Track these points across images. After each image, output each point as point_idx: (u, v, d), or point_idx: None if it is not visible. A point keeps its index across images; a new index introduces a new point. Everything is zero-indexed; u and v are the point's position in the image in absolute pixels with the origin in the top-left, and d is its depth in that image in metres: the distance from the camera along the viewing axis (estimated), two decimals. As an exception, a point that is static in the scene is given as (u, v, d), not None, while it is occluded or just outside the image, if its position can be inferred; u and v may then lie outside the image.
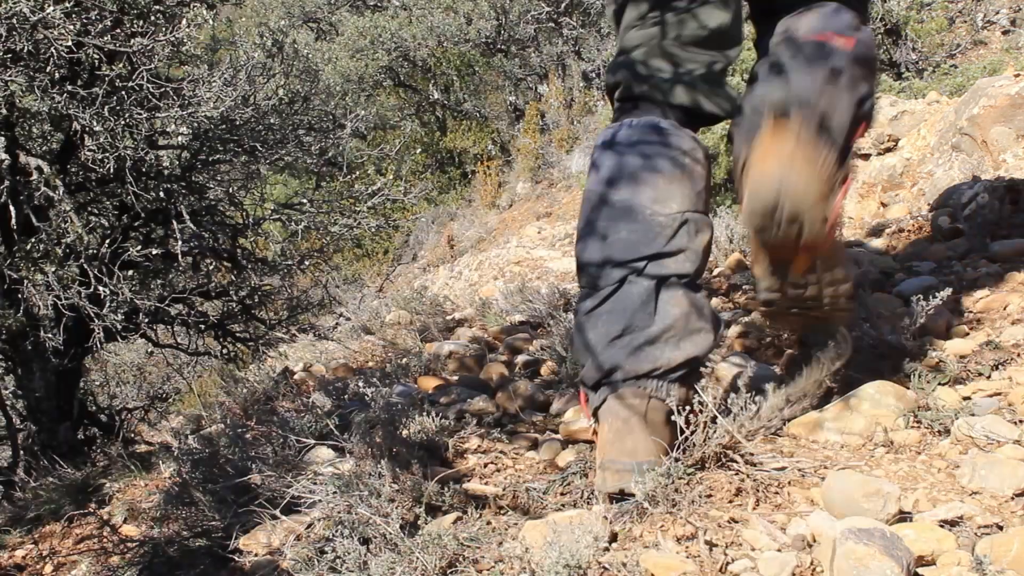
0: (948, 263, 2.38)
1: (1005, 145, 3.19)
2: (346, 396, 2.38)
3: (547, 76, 9.87)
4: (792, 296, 1.62)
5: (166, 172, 3.58)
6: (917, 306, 1.78)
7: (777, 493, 1.40)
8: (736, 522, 1.32)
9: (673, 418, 1.42)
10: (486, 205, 9.44)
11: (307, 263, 4.21)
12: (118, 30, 3.07)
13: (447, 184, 10.56)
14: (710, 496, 1.38)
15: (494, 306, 3.35)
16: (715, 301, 2.97)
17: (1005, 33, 7.01)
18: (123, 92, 3.09)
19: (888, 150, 4.21)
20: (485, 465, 1.74)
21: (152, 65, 3.13)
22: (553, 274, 5.53)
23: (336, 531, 1.43)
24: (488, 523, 1.46)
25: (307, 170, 4.55)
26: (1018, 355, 1.73)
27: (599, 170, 1.59)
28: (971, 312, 2.01)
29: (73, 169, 3.48)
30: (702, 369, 1.49)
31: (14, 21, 2.76)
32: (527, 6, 9.73)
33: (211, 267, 4.02)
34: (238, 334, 4.21)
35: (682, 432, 1.43)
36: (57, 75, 3.02)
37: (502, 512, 1.50)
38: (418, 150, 10.28)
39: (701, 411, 1.43)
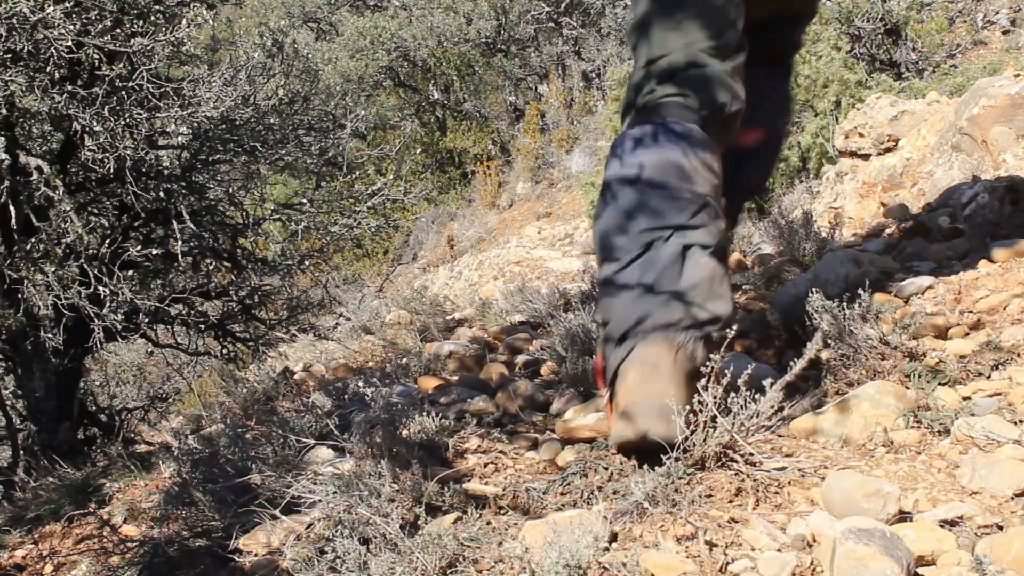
0: (948, 263, 2.38)
1: (1005, 145, 3.20)
2: (346, 396, 2.38)
3: (547, 76, 9.88)
4: None
5: (166, 172, 3.58)
6: (917, 306, 1.78)
7: (777, 493, 1.40)
8: (736, 522, 1.32)
9: (696, 380, 1.45)
10: (486, 205, 9.45)
11: (307, 263, 4.21)
12: (118, 30, 3.07)
13: (447, 184, 10.56)
14: (710, 496, 1.38)
15: (494, 306, 3.35)
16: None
17: (1005, 33, 7.02)
18: (123, 92, 3.09)
19: (888, 150, 4.21)
20: (485, 465, 1.74)
21: (152, 65, 3.13)
22: (553, 274, 5.53)
23: (336, 531, 1.43)
24: (488, 523, 1.46)
25: (307, 170, 4.55)
26: (1018, 355, 1.73)
27: (623, 158, 1.65)
28: (971, 312, 2.01)
29: (73, 169, 3.48)
30: (721, 333, 1.54)
31: (14, 21, 2.76)
32: (527, 6, 9.74)
33: (211, 267, 4.02)
34: (238, 334, 4.21)
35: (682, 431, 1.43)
36: (57, 75, 3.02)
37: (502, 512, 1.50)
38: (418, 150, 10.29)
39: (701, 411, 1.43)
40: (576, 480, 1.58)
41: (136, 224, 3.69)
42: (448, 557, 1.32)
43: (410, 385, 2.36)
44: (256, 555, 1.60)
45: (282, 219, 4.13)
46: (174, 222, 3.46)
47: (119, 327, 3.39)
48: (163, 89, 3.15)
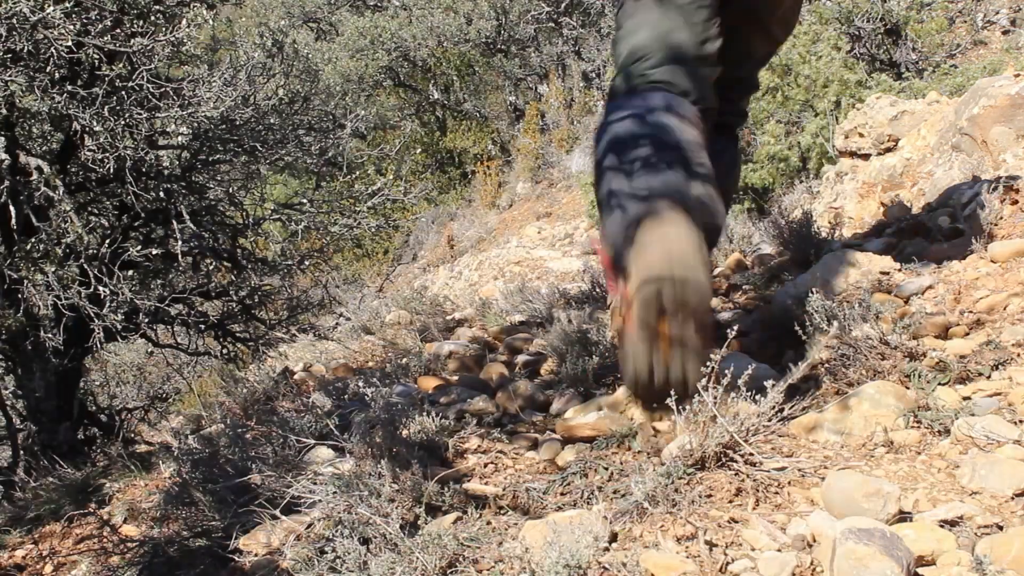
0: (948, 263, 2.38)
1: (1005, 145, 3.20)
2: (346, 396, 2.38)
3: (547, 76, 9.88)
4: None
5: (166, 172, 3.58)
6: (917, 306, 1.78)
7: (777, 493, 1.40)
8: (736, 522, 1.32)
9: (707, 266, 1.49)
10: (486, 205, 9.45)
11: (307, 263, 4.21)
12: (118, 30, 3.07)
13: (447, 184, 10.57)
14: (710, 496, 1.38)
15: (494, 306, 3.35)
16: (715, 301, 2.97)
17: (1005, 33, 7.02)
18: (123, 92, 3.09)
19: (888, 150, 4.21)
20: (485, 465, 1.74)
21: (152, 65, 3.13)
22: (553, 274, 5.53)
23: (336, 531, 1.43)
24: (488, 523, 1.46)
25: (307, 170, 4.55)
26: (1018, 355, 1.73)
27: (620, 111, 1.75)
28: (971, 312, 2.01)
29: (73, 169, 3.48)
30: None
31: (14, 21, 2.76)
32: (527, 6, 9.74)
33: (211, 267, 4.02)
34: (238, 334, 4.21)
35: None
36: (57, 75, 3.02)
37: (502, 512, 1.50)
38: (418, 150, 10.29)
39: (701, 411, 1.43)
40: (576, 480, 1.58)
41: (136, 224, 3.69)
42: (448, 557, 1.32)
43: (410, 385, 2.35)
44: (256, 555, 1.60)
45: (282, 219, 4.13)
46: (174, 222, 3.46)
47: (119, 327, 3.39)
48: (163, 89, 3.15)
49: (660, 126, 1.67)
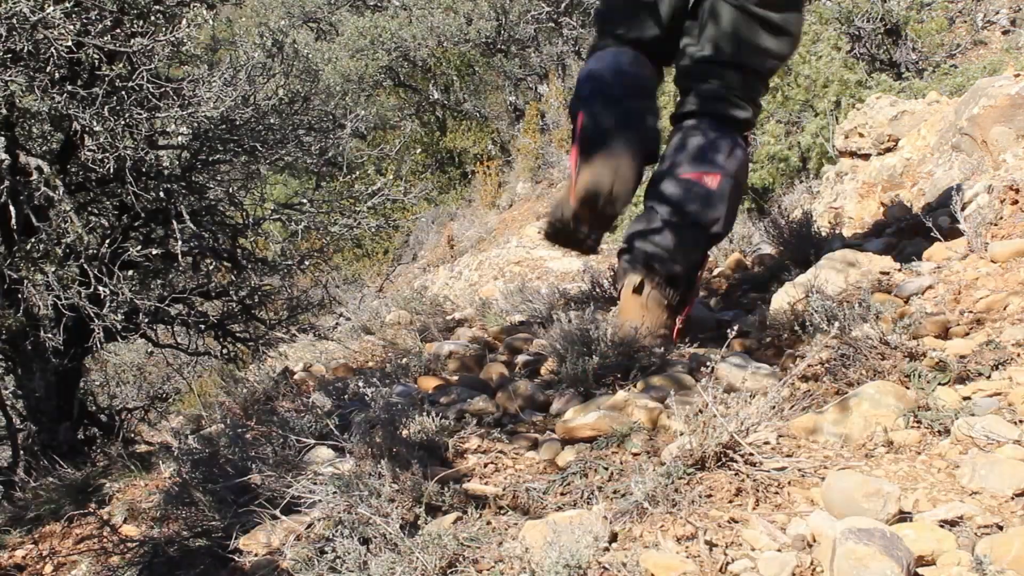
0: (948, 263, 2.38)
1: (1005, 145, 3.19)
2: (346, 396, 2.38)
3: (547, 76, 9.88)
4: None
5: (166, 172, 3.57)
6: (917, 306, 1.78)
7: (777, 493, 1.40)
8: (736, 522, 1.32)
9: None
10: (486, 205, 9.45)
11: (307, 263, 4.21)
12: (118, 30, 3.07)
13: (447, 184, 10.56)
14: (710, 496, 1.38)
15: (494, 306, 3.35)
16: (715, 301, 2.97)
17: (1005, 33, 7.02)
18: (123, 92, 3.09)
19: (888, 150, 4.21)
20: (485, 465, 1.73)
21: (152, 65, 3.13)
22: (553, 274, 5.53)
23: (336, 531, 1.43)
24: (488, 523, 1.46)
25: (307, 170, 4.55)
26: (1018, 355, 1.73)
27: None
28: (971, 312, 2.01)
29: (73, 169, 3.48)
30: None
31: (14, 21, 2.76)
32: (527, 6, 9.73)
33: (211, 267, 4.01)
34: (238, 334, 4.21)
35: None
36: (57, 75, 3.02)
37: (502, 512, 1.50)
38: (418, 150, 10.29)
39: (701, 411, 1.43)
40: (576, 480, 1.58)
41: (136, 224, 3.69)
42: (448, 557, 1.32)
43: (410, 385, 2.35)
44: (256, 555, 1.60)
45: (282, 219, 4.13)
46: (174, 222, 3.46)
47: (119, 327, 3.39)
48: (163, 89, 3.15)
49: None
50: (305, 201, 4.15)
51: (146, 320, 3.64)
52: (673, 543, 1.28)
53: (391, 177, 4.57)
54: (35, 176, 3.23)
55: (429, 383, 2.34)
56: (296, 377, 3.08)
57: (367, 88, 10.13)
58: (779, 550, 1.24)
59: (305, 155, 3.95)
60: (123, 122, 3.11)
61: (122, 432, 3.94)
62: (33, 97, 2.98)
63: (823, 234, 2.99)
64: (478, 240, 8.66)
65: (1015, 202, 2.55)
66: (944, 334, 1.93)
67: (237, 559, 1.61)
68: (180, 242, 3.45)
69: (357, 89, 9.68)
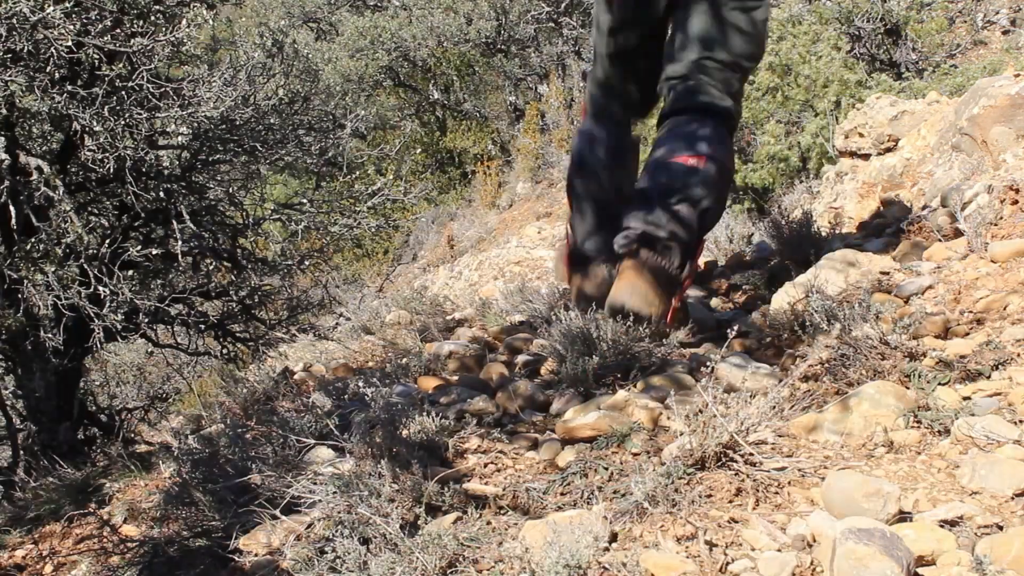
0: (948, 263, 2.38)
1: (1005, 145, 3.19)
2: (346, 396, 2.38)
3: (547, 76, 9.87)
4: None
5: (166, 172, 3.57)
6: (917, 306, 1.78)
7: (777, 493, 1.40)
8: (736, 522, 1.32)
9: None
10: (486, 205, 9.44)
11: (307, 263, 4.20)
12: (118, 30, 3.07)
13: (447, 184, 10.56)
14: (710, 496, 1.38)
15: (494, 306, 3.35)
16: (715, 301, 2.97)
17: (1005, 33, 7.01)
18: (123, 92, 3.09)
19: (888, 150, 4.21)
20: (485, 465, 1.73)
21: (152, 65, 3.13)
22: (553, 274, 5.52)
23: (336, 531, 1.43)
24: (488, 523, 1.46)
25: (307, 170, 4.55)
26: (1018, 355, 1.73)
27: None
28: (971, 312, 2.01)
29: (73, 169, 3.47)
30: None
31: (14, 21, 2.75)
32: (527, 6, 9.73)
33: (211, 267, 4.01)
34: (238, 334, 4.21)
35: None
36: (57, 75, 3.01)
37: (502, 512, 1.50)
38: (418, 150, 10.28)
39: (701, 411, 1.43)
40: (576, 480, 1.58)
41: (136, 224, 3.69)
42: (448, 557, 1.32)
43: (410, 385, 2.35)
44: (256, 555, 1.60)
45: (282, 219, 4.13)
46: (174, 222, 3.46)
47: (119, 327, 3.39)
48: (163, 89, 3.15)
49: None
50: (305, 201, 4.15)
51: (146, 320, 3.63)
52: (673, 543, 1.28)
53: (391, 177, 4.57)
54: (35, 176, 3.23)
55: (429, 383, 2.34)
56: (296, 377, 3.08)
57: (367, 88, 10.12)
58: (779, 550, 1.24)
59: (305, 155, 3.95)
60: (123, 122, 3.11)
61: (122, 432, 3.93)
62: (33, 97, 2.98)
63: (823, 234, 2.99)
64: (478, 240, 8.66)
65: (1015, 202, 2.55)
66: (944, 334, 1.93)
67: (237, 559, 1.61)
68: (180, 242, 3.45)
69: (357, 89, 9.68)
